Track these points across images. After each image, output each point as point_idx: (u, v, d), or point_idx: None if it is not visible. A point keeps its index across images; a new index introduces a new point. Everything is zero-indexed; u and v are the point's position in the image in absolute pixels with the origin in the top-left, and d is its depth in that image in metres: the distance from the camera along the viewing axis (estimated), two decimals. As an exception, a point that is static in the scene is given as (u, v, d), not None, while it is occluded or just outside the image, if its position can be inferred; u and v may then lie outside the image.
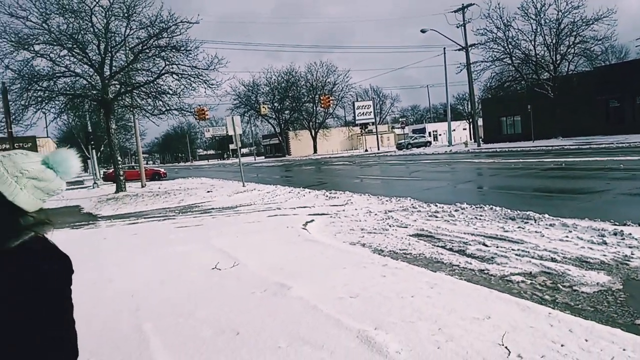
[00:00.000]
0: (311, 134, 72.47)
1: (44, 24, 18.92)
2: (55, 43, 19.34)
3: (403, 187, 15.64)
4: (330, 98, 55.46)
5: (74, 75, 21.04)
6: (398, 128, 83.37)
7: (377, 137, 65.45)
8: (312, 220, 10.25)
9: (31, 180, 1.41)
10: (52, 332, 1.34)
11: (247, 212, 12.57)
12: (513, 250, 6.37)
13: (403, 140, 63.27)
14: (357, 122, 68.81)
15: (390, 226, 8.85)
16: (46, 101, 20.36)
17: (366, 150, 63.84)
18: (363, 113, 67.11)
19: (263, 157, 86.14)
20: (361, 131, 69.68)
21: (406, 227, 8.60)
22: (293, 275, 5.87)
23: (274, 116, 73.88)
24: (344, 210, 11.28)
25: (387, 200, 12.17)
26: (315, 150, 71.67)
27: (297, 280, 5.60)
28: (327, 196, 14.54)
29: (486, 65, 43.04)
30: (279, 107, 73.03)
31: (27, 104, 19.88)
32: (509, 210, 8.93)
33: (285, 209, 12.44)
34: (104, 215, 15.13)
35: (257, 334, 4.13)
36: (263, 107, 58.92)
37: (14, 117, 20.82)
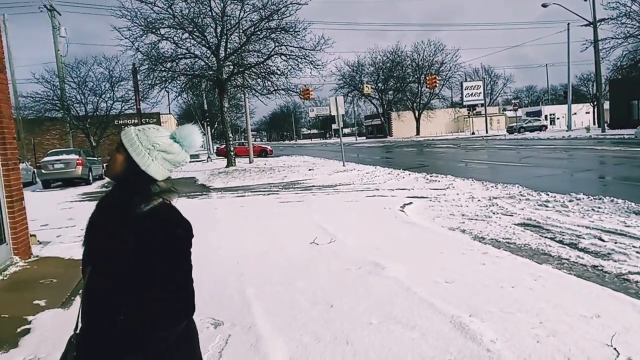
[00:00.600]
0: (414, 115, 70.79)
1: (168, 9, 20.60)
2: (178, 27, 20.99)
3: (511, 173, 14.75)
4: (437, 78, 53.50)
5: (194, 57, 22.71)
6: (510, 110, 78.09)
7: (486, 119, 61.99)
8: (411, 203, 10.14)
9: (161, 153, 1.63)
10: (175, 285, 1.51)
11: (346, 191, 12.78)
12: (635, 247, 5.77)
13: (515, 124, 59.22)
14: (464, 103, 65.65)
15: (493, 213, 8.46)
16: (169, 81, 22.29)
17: (473, 133, 60.82)
18: (471, 94, 63.82)
19: (364, 138, 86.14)
20: (468, 113, 66.35)
21: (511, 216, 8.16)
22: (388, 255, 5.91)
23: (377, 96, 73.25)
24: (444, 195, 10.99)
25: (492, 187, 11.60)
26: (417, 132, 70.01)
27: (392, 260, 5.64)
28: (427, 179, 14.23)
29: (617, 42, 38.29)
30: (382, 88, 72.20)
31: (153, 83, 21.94)
32: (633, 204, 8.05)
33: (383, 190, 12.43)
34: (216, 187, 16.34)
35: (351, 308, 4.26)
36: (366, 87, 58.66)
37: (142, 95, 23.13)
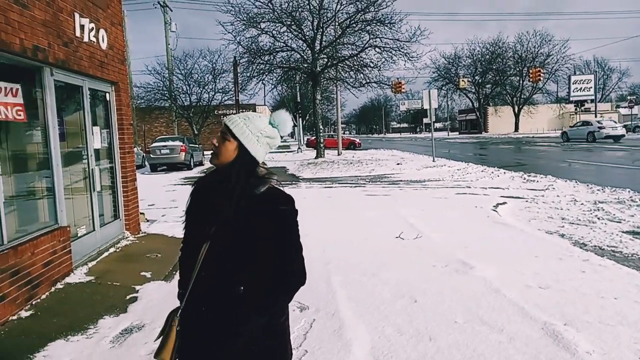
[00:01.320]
0: (514, 110, 66.71)
1: (269, 4, 21.40)
2: (277, 20, 21.74)
3: (622, 177, 13.44)
4: (541, 71, 49.85)
5: (290, 50, 23.40)
6: (624, 107, 70.69)
7: (596, 116, 56.79)
8: (505, 203, 9.67)
9: (266, 138, 1.77)
10: (290, 255, 1.73)
11: (434, 188, 12.48)
12: None
13: (630, 122, 53.62)
14: (571, 98, 60.61)
15: (598, 219, 7.80)
16: (266, 73, 23.20)
17: (579, 132, 56.00)
18: (580, 88, 58.68)
19: (457, 133, 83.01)
20: (576, 109, 61.13)
21: (619, 222, 7.48)
22: (477, 255, 5.72)
23: (473, 90, 70.05)
24: (543, 196, 10.32)
25: (598, 190, 10.68)
26: (516, 128, 65.95)
27: (481, 261, 5.45)
28: (524, 179, 13.44)
29: None
30: (480, 81, 68.87)
31: (251, 75, 22.97)
32: None
33: (475, 188, 11.97)
34: (305, 178, 16.78)
35: (435, 305, 4.21)
36: (462, 80, 56.38)
37: (240, 86, 24.28)
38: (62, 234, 4.89)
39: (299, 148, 36.67)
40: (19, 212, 4.69)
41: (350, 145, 40.04)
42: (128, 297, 4.65)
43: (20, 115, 4.64)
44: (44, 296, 4.45)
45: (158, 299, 4.64)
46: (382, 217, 8.45)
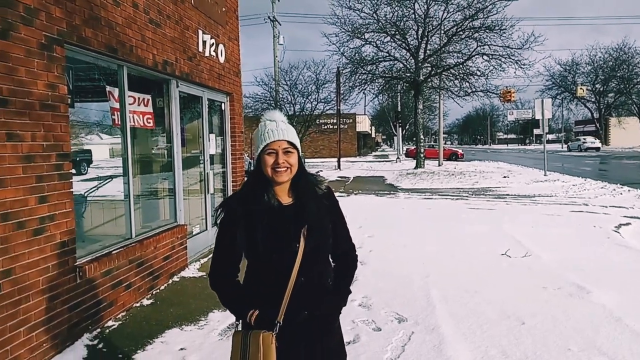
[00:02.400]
0: (641, 121, 59.84)
1: (374, 14, 21.57)
2: (381, 31, 21.84)
3: None
4: (677, 78, 44.17)
5: (393, 60, 23.34)
6: None
7: None
8: (629, 224, 8.70)
9: None
10: (350, 237, 2.04)
11: (545, 203, 11.60)
12: None
13: None
14: None
15: None
16: (368, 83, 23.35)
17: None
18: None
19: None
20: None
21: None
22: (595, 279, 5.22)
23: (593, 99, 64.10)
24: (676, 218, 9.13)
25: None
26: (644, 142, 59.05)
27: (599, 285, 4.97)
28: (654, 198, 11.98)
29: None
30: (601, 89, 62.82)
31: (353, 85, 23.27)
32: None
33: (593, 206, 10.92)
34: (403, 188, 16.55)
35: (545, 329, 3.92)
36: (580, 88, 51.81)
37: (342, 96, 24.69)
38: (180, 231, 5.36)
39: (397, 158, 36.28)
40: (144, 210, 5.22)
41: (452, 156, 38.72)
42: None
43: (149, 122, 5.19)
44: (162, 287, 4.90)
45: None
46: (486, 232, 8.05)
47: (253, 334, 1.76)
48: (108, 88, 4.43)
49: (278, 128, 1.83)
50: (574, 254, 6.45)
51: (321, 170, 26.28)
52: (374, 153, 61.93)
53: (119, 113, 4.48)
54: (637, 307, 4.35)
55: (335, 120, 39.78)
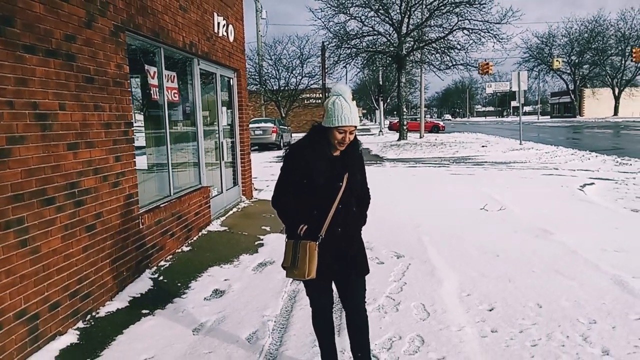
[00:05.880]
0: (613, 92, 61.81)
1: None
2: (365, 5, 22.37)
3: None
4: (647, 50, 45.69)
5: (376, 34, 23.94)
6: None
7: None
8: (592, 184, 9.80)
9: None
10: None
11: (520, 169, 12.69)
12: None
13: None
14: (682, 79, 54.92)
15: (691, 200, 7.84)
16: (352, 57, 23.96)
17: (691, 116, 50.84)
18: (694, 68, 53.00)
19: (548, 117, 78.42)
20: (687, 91, 55.44)
21: None
22: (558, 224, 6.23)
23: (568, 71, 65.70)
24: (634, 179, 10.27)
25: (698, 174, 10.39)
26: (615, 112, 61.16)
27: (561, 229, 5.98)
28: (617, 162, 13.17)
29: None
30: (576, 61, 64.38)
31: (337, 60, 23.86)
32: None
33: (563, 170, 12.04)
34: (388, 158, 17.50)
35: (515, 258, 4.90)
36: (557, 60, 53.12)
37: (327, 70, 25.28)
38: (205, 192, 6.16)
39: (380, 131, 37.17)
40: (177, 174, 5.99)
41: (434, 129, 39.78)
42: (256, 243, 5.81)
43: (176, 97, 5.91)
44: (195, 238, 5.73)
45: (279, 245, 5.69)
46: (466, 192, 9.04)
47: (302, 242, 2.48)
48: (146, 67, 5.13)
49: (352, 114, 2.48)
50: (542, 207, 7.47)
51: (307, 144, 26.96)
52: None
53: (156, 89, 5.20)
54: (590, 244, 5.35)
55: (318, 95, 40.32)
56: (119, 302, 3.85)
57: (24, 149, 2.92)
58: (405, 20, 22.93)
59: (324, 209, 2.56)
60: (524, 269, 4.61)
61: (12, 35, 2.83)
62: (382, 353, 3.08)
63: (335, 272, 2.61)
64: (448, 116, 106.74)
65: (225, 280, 4.54)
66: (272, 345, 3.26)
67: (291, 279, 4.51)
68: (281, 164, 2.65)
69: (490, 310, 3.69)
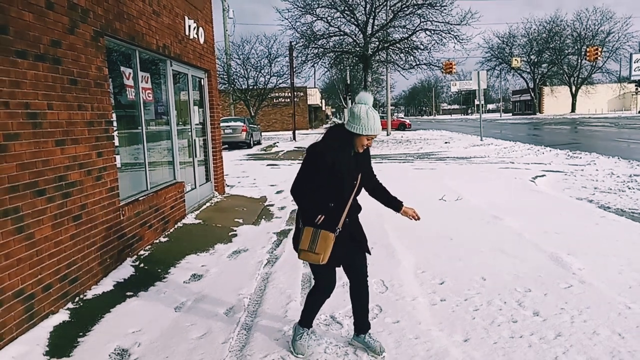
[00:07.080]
0: (571, 90, 64.57)
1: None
2: (331, 6, 22.87)
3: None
4: (600, 50, 48.08)
5: (342, 35, 24.50)
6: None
7: (660, 97, 54.04)
8: (543, 176, 10.55)
9: None
10: None
11: (479, 163, 13.42)
12: None
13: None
14: (632, 77, 57.91)
15: (629, 188, 8.63)
16: (320, 57, 24.44)
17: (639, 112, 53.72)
18: (644, 67, 55.96)
19: (510, 114, 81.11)
20: (636, 89, 58.51)
21: (646, 191, 8.28)
22: (508, 212, 6.83)
23: (528, 69, 68.21)
24: (582, 170, 11.09)
25: (638, 165, 11.30)
26: (573, 109, 63.92)
27: (510, 216, 6.57)
28: (568, 155, 14.09)
29: None
30: (535, 60, 66.92)
31: (305, 59, 24.29)
32: None
33: (518, 164, 12.81)
34: (357, 155, 18.03)
35: (466, 241, 5.44)
36: (515, 59, 55.18)
37: (295, 70, 25.65)
38: (179, 187, 6.46)
39: (349, 129, 37.73)
40: (154, 170, 6.26)
41: (401, 126, 40.73)
42: (230, 234, 6.16)
43: (150, 97, 6.19)
44: (172, 230, 6.03)
45: (252, 235, 6.13)
46: (427, 185, 9.61)
47: (322, 232, 2.79)
48: (122, 69, 5.41)
49: (377, 124, 2.82)
50: (496, 198, 8.09)
51: (278, 142, 27.32)
52: (324, 125, 63.28)
53: (132, 89, 5.48)
54: (534, 227, 5.95)
55: (287, 94, 40.61)
56: (104, 286, 4.15)
57: (18, 144, 3.21)
58: (370, 21, 23.58)
59: (340, 202, 2.89)
60: (473, 249, 5.13)
61: (6, 42, 3.12)
62: (345, 319, 3.52)
63: (344, 258, 2.97)
64: (401, 114, 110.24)
65: (203, 266, 4.89)
66: (247, 318, 3.65)
67: (265, 262, 4.92)
68: (304, 157, 2.95)
69: (441, 284, 4.18)
